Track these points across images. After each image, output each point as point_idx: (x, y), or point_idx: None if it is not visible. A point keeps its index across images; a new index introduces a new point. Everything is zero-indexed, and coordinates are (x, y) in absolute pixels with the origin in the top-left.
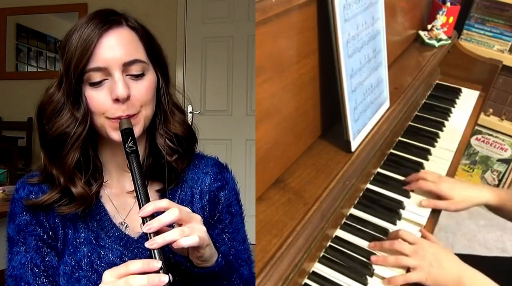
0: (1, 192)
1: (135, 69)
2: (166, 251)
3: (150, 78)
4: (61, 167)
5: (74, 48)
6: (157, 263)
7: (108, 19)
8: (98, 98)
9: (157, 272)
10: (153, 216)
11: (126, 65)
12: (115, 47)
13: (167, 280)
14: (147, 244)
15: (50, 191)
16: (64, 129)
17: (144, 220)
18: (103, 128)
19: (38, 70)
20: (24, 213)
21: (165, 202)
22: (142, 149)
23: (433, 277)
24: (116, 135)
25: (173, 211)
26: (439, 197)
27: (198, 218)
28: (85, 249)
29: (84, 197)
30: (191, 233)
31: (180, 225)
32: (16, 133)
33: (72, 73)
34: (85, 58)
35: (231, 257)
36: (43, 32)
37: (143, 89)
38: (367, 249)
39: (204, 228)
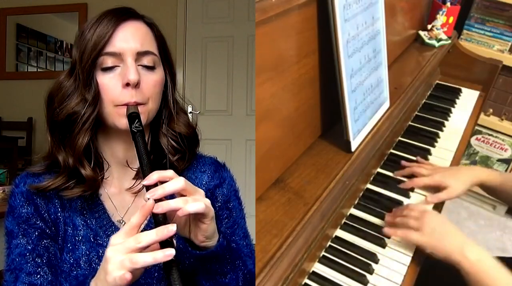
0: (1, 192)
1: (147, 61)
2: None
3: (159, 73)
4: (71, 148)
5: (92, 35)
6: (172, 227)
7: (127, 12)
8: (109, 84)
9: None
10: (156, 186)
11: (139, 55)
12: (131, 37)
13: (175, 229)
14: (154, 210)
15: (55, 177)
16: (73, 109)
17: (148, 189)
18: (110, 117)
19: (38, 70)
20: (25, 206)
21: (170, 172)
22: None
23: (434, 243)
24: (123, 121)
25: (178, 180)
26: (437, 188)
27: (201, 191)
28: (84, 247)
29: (92, 180)
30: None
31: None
32: (16, 133)
33: (87, 57)
34: (101, 43)
35: (233, 245)
36: (43, 32)
37: (152, 81)
38: (367, 249)
39: (208, 200)
